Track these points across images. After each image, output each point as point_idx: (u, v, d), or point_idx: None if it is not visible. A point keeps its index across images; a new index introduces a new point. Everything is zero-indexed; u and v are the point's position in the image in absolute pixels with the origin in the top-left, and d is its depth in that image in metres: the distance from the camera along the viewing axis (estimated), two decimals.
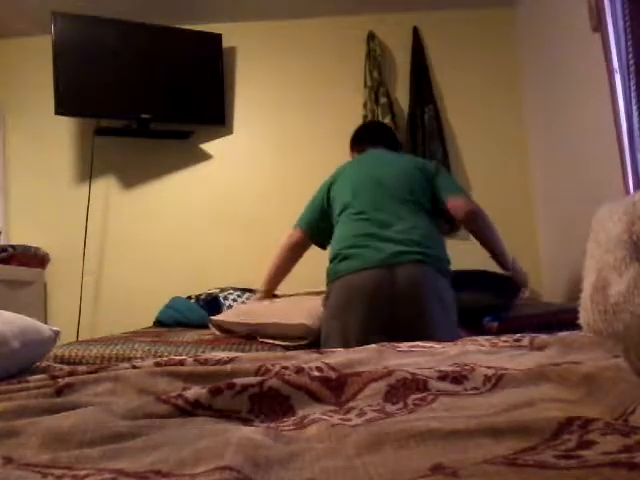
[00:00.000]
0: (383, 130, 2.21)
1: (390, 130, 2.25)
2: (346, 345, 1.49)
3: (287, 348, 1.71)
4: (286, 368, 0.87)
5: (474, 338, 1.21)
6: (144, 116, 2.95)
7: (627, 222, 0.58)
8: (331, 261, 1.78)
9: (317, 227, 1.99)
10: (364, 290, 1.62)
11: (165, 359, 1.00)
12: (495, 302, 2.09)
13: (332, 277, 1.74)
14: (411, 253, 1.66)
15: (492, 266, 2.03)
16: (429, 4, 3.10)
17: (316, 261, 2.04)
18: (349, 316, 1.62)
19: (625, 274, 0.55)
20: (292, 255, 2.04)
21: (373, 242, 1.69)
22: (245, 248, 3.04)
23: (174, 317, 2.58)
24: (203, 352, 1.66)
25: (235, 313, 2.08)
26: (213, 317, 2.10)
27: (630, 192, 1.91)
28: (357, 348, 1.14)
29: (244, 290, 2.72)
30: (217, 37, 3.10)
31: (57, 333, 1.17)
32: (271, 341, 1.85)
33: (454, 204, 1.84)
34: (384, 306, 1.61)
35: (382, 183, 1.82)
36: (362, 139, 2.12)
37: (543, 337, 1.10)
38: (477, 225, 1.85)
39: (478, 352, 1.03)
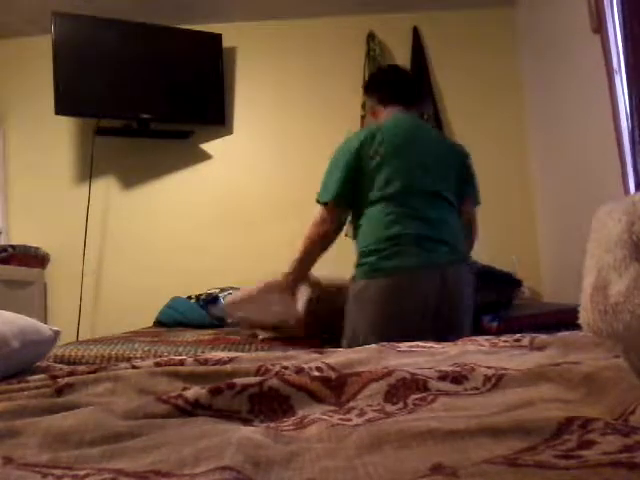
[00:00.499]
0: (408, 84, 1.96)
1: (413, 81, 2.00)
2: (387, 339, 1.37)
3: (286, 344, 1.73)
4: (286, 368, 0.87)
5: (474, 338, 1.21)
6: (144, 116, 2.95)
7: (627, 222, 0.58)
8: (369, 254, 1.68)
9: (348, 193, 1.76)
10: (419, 289, 1.65)
11: (165, 359, 1.00)
12: (495, 299, 2.10)
13: (372, 273, 1.67)
14: (455, 253, 1.72)
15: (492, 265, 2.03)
16: (429, 4, 3.09)
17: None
18: (400, 315, 1.63)
19: (625, 274, 0.55)
20: (330, 241, 1.80)
21: (424, 242, 1.67)
22: (245, 248, 3.04)
23: (174, 317, 2.58)
24: (203, 352, 1.66)
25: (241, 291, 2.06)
26: (225, 301, 2.09)
27: (630, 192, 1.91)
28: (357, 348, 1.14)
29: None
30: (217, 37, 3.10)
31: (57, 333, 1.17)
32: (267, 335, 1.86)
33: (468, 206, 1.90)
34: (435, 305, 1.65)
35: (427, 176, 1.74)
36: (382, 88, 1.92)
37: (543, 337, 1.10)
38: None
39: (478, 352, 1.03)
